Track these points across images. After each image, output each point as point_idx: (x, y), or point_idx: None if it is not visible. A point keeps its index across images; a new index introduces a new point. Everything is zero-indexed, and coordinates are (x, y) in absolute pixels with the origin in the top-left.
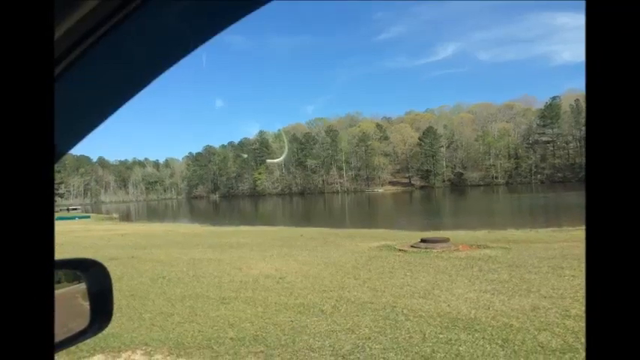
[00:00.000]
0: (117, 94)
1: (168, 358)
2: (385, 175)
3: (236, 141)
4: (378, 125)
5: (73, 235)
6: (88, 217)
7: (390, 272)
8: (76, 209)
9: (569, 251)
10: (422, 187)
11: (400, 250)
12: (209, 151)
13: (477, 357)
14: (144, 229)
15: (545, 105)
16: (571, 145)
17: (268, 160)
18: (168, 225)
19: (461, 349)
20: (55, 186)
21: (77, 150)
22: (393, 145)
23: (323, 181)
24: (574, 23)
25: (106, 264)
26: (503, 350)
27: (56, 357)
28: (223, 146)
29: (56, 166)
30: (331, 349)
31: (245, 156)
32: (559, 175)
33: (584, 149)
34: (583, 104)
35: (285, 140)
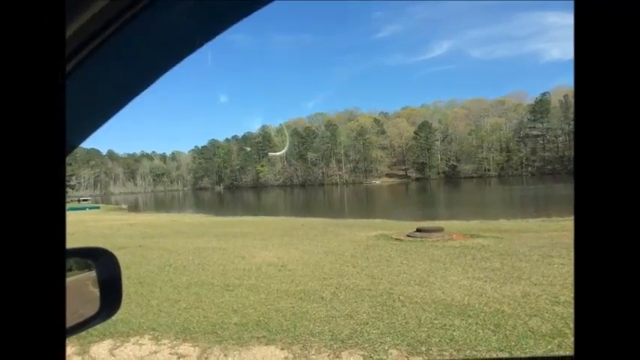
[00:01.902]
0: (125, 90)
1: (174, 342)
2: (382, 168)
3: (240, 135)
4: (375, 120)
5: (83, 225)
6: (98, 207)
7: (387, 260)
8: (86, 200)
9: (558, 240)
10: (417, 179)
11: (397, 239)
12: (214, 144)
13: (471, 342)
14: (151, 219)
15: (535, 100)
16: (560, 138)
17: (270, 154)
18: (175, 215)
19: (455, 334)
20: (67, 178)
21: (87, 143)
22: (389, 139)
23: (323, 173)
24: (563, 22)
25: (115, 253)
26: (495, 335)
27: (68, 341)
28: (227, 140)
29: (67, 159)
30: (331, 334)
31: (248, 149)
32: (549, 167)
33: (572, 143)
34: (571, 99)
35: (287, 134)
